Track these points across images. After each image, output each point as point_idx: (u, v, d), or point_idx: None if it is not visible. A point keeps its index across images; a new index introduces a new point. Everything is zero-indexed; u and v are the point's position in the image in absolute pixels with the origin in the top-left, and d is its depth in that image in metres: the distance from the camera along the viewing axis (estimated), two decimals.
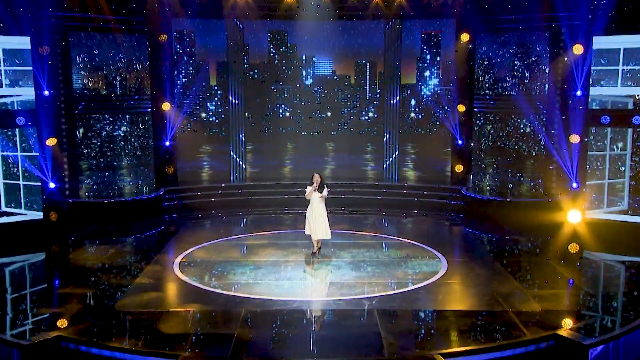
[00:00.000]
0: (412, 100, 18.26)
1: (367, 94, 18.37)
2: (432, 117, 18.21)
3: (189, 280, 9.99)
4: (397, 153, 18.77)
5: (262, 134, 18.57)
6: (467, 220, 15.53)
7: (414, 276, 10.22)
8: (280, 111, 18.57)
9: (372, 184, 17.95)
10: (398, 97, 18.48)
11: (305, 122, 18.57)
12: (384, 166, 19.02)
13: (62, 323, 8.31)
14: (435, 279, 10.13)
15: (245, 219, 15.66)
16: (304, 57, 18.26)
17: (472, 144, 17.69)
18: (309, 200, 10.92)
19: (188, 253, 11.64)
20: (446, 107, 17.90)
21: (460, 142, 17.98)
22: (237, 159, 18.64)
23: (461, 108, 17.88)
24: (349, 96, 18.41)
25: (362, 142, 18.70)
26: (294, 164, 18.79)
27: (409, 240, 12.88)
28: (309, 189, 10.97)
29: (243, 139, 18.80)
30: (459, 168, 18.03)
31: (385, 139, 18.95)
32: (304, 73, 18.22)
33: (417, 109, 18.30)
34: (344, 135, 18.55)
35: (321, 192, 10.94)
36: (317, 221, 10.95)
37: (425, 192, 17.44)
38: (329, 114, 18.59)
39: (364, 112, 18.39)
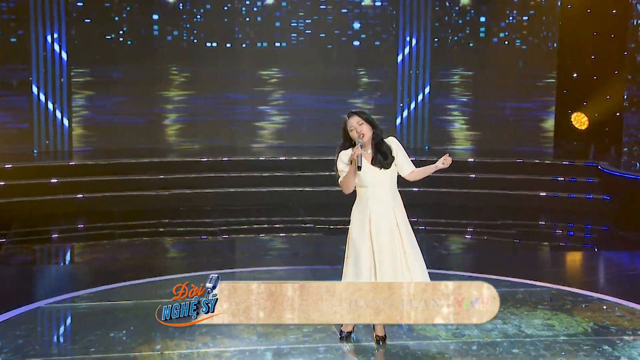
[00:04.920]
0: None
1: None
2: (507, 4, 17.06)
3: None
4: (427, 88, 17.61)
5: (108, 44, 16.59)
6: (626, 232, 13.94)
7: None
8: None
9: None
10: None
11: (213, 20, 17.25)
12: (397, 121, 17.71)
13: None
14: None
15: (108, 247, 12.93)
16: None
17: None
18: (354, 190, 8.35)
19: None
20: None
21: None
22: (48, 103, 16.45)
23: None
24: None
25: (343, 65, 17.45)
26: (193, 111, 17.51)
27: (554, 285, 9.86)
28: (344, 156, 8.21)
29: (64, 56, 16.37)
30: (580, 119, 16.69)
31: (399, 57, 17.41)
32: None
33: None
34: (302, 47, 17.83)
35: (386, 162, 8.40)
36: (390, 245, 8.06)
37: (496, 177, 15.16)
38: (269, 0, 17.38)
39: None
